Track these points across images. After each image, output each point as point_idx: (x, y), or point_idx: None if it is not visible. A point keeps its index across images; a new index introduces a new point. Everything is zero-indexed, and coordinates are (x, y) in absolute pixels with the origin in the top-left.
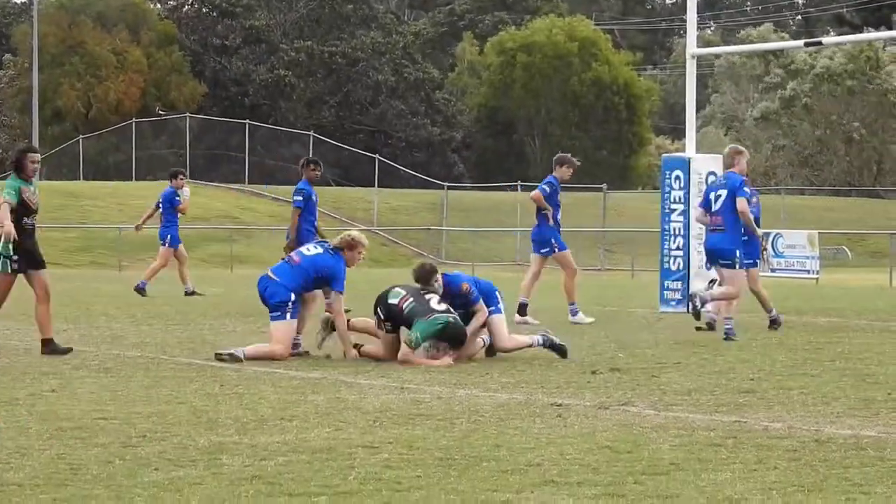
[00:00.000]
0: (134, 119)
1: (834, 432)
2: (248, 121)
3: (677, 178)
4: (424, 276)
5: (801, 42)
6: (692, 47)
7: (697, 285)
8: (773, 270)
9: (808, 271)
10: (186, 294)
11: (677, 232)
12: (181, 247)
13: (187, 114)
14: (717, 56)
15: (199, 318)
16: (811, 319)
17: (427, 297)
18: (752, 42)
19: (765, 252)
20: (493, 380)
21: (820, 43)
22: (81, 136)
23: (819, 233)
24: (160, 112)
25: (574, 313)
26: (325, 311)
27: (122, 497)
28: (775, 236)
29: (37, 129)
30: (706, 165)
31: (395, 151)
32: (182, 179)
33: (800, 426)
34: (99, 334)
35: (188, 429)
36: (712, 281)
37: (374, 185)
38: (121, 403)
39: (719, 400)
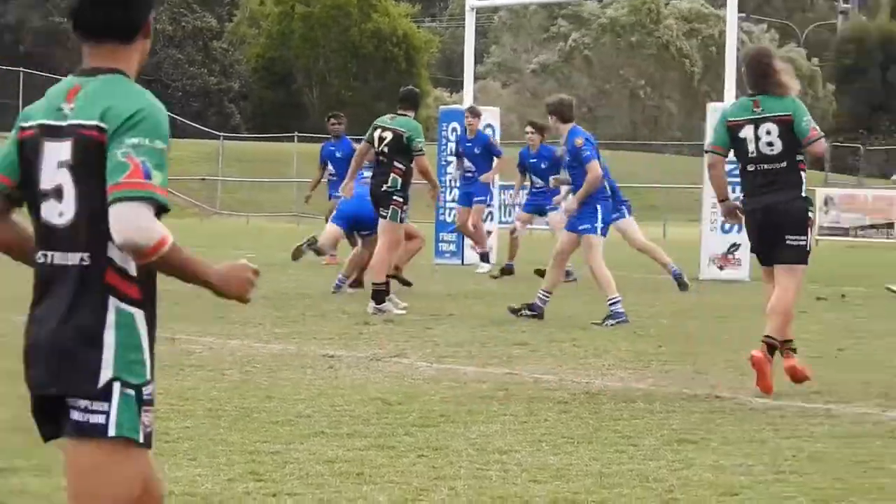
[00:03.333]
0: None
1: (605, 385)
2: (22, 69)
3: (454, 130)
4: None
5: None
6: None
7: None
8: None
9: None
10: None
11: (453, 184)
12: None
13: None
14: (496, 9)
15: None
16: (586, 273)
17: None
18: None
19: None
20: (266, 330)
21: None
22: None
23: None
24: None
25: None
26: None
27: None
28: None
29: None
30: (484, 118)
31: (172, 101)
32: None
33: (571, 378)
34: None
35: None
36: None
37: None
38: None
39: (491, 352)
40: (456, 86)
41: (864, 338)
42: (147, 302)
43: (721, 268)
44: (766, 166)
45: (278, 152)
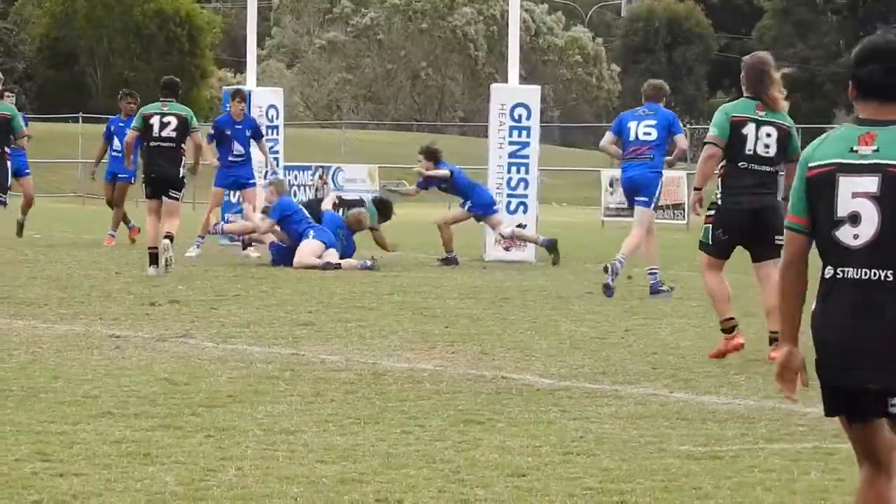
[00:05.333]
0: None
1: (391, 365)
2: None
3: None
4: None
5: None
6: None
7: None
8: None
9: None
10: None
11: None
12: None
13: None
14: None
15: None
16: (370, 253)
17: None
18: None
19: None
20: (52, 311)
21: None
22: None
23: (379, 167)
24: None
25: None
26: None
27: None
28: (336, 170)
29: None
30: (267, 99)
31: None
32: None
33: (357, 359)
34: None
35: None
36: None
37: None
38: None
39: (278, 332)
40: (240, 66)
41: (650, 319)
42: None
43: (507, 249)
44: (756, 167)
45: (63, 133)
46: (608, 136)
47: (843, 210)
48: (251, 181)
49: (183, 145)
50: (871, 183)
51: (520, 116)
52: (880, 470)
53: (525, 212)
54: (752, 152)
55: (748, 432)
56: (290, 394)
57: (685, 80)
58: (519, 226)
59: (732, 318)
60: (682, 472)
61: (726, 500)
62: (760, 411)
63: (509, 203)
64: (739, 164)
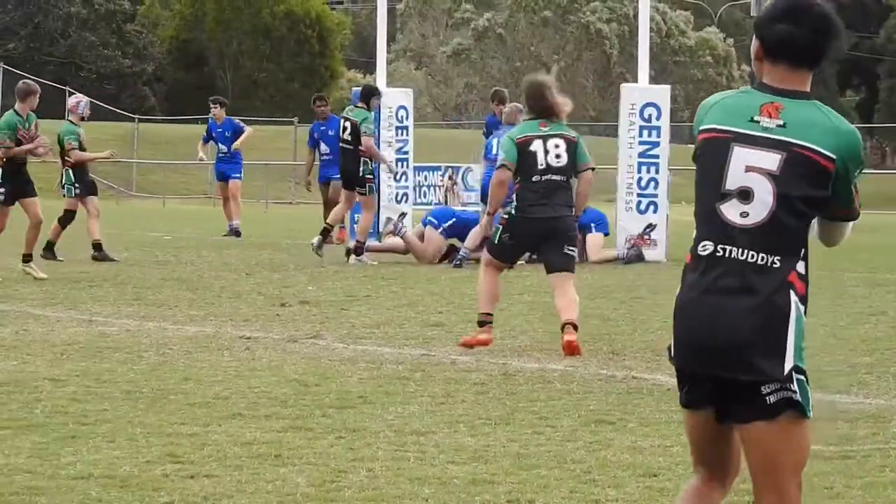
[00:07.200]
0: None
1: (521, 366)
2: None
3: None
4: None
5: None
6: None
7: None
8: (463, 205)
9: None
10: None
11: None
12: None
13: None
14: None
15: None
16: None
17: None
18: None
19: None
20: (182, 312)
21: None
22: None
23: None
24: None
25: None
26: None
27: None
28: (465, 171)
29: None
30: (397, 100)
31: (86, 83)
32: None
33: (487, 359)
34: None
35: None
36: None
37: (64, 117)
38: None
39: (408, 333)
40: (370, 67)
41: None
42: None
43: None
44: (550, 177)
45: (192, 134)
46: None
47: (732, 183)
48: None
49: (361, 147)
50: (771, 160)
51: (650, 116)
52: (715, 481)
53: (655, 211)
54: (544, 166)
55: (879, 432)
56: (421, 395)
57: (815, 79)
58: (649, 227)
59: (490, 315)
60: (813, 472)
61: (857, 500)
62: (891, 410)
63: (640, 203)
64: (533, 178)
